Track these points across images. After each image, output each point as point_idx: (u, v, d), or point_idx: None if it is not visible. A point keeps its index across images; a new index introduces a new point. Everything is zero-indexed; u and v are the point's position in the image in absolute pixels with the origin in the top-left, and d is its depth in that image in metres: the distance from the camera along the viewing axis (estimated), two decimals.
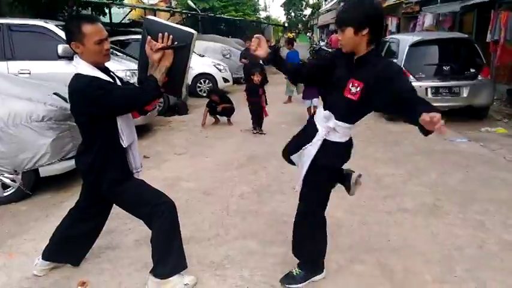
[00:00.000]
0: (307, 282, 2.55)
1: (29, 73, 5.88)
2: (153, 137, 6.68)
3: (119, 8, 14.31)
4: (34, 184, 4.05)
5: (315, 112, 2.54)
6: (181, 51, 2.30)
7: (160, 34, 2.25)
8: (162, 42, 2.26)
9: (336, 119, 2.26)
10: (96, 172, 2.35)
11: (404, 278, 2.63)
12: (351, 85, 2.16)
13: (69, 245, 2.68)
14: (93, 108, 2.21)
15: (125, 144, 2.36)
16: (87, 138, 2.36)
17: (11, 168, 3.86)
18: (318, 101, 6.21)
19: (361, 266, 2.77)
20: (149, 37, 2.28)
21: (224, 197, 4.04)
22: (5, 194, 3.99)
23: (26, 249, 3.07)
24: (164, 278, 2.41)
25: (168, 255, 2.43)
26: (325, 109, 2.33)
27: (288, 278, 2.56)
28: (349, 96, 2.17)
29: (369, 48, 2.14)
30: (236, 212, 3.66)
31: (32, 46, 6.09)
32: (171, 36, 2.26)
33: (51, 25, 6.20)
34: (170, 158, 5.47)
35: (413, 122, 1.92)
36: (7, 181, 3.97)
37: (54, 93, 4.24)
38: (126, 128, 2.37)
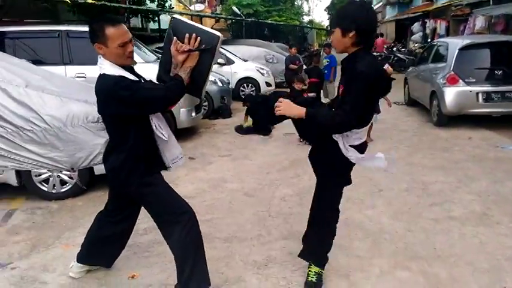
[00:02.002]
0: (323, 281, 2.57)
1: (85, 77, 6.22)
2: (198, 139, 6.87)
3: (168, 16, 14.82)
4: (89, 181, 4.30)
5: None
6: (206, 54, 2.29)
7: (187, 35, 2.23)
8: (189, 44, 2.24)
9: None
10: (128, 170, 2.31)
11: (449, 287, 2.57)
12: (340, 90, 2.25)
13: (100, 248, 2.71)
14: (120, 108, 2.19)
15: (166, 137, 2.36)
16: (116, 138, 2.34)
17: (68, 166, 4.12)
18: (376, 117, 5.55)
19: (404, 273, 2.74)
20: (175, 38, 2.26)
21: (266, 198, 4.11)
22: (63, 190, 4.28)
23: (80, 241, 3.23)
24: None
25: (196, 270, 2.39)
26: None
27: (310, 286, 2.54)
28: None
29: (355, 48, 2.17)
30: (278, 214, 3.72)
31: (87, 51, 6.40)
32: (198, 38, 2.24)
33: None
34: (215, 159, 5.61)
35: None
36: (65, 178, 4.26)
37: None
38: (160, 122, 2.37)
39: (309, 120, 2.19)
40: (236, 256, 2.98)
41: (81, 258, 2.75)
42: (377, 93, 2.23)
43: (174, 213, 2.38)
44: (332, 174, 2.43)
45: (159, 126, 2.34)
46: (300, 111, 2.20)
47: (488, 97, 6.77)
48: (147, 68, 4.43)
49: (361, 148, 2.32)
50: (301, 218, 3.62)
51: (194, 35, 2.24)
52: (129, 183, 2.34)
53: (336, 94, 2.49)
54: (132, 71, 2.35)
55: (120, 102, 2.16)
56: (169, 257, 2.93)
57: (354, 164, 2.39)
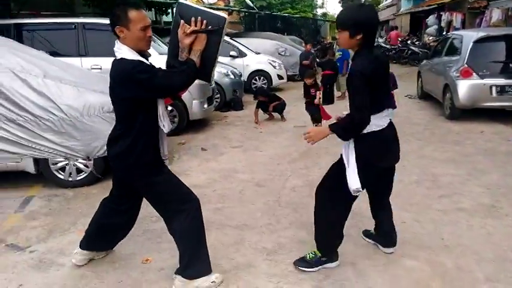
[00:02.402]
0: (319, 268, 2.66)
1: (100, 68, 6.35)
2: (210, 131, 6.96)
3: None
4: (104, 170, 4.42)
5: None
6: (213, 36, 2.32)
7: (193, 18, 2.26)
8: (195, 26, 2.27)
9: None
10: (135, 156, 2.33)
11: (455, 275, 2.62)
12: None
13: (104, 234, 2.77)
14: (139, 91, 2.22)
15: (166, 128, 2.41)
16: (125, 122, 2.35)
17: (84, 155, 4.25)
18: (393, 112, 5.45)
19: (412, 261, 2.79)
20: (182, 21, 2.29)
21: (276, 189, 4.18)
22: (79, 178, 4.41)
23: None
24: (192, 278, 2.46)
25: (197, 257, 2.46)
26: None
27: (300, 261, 2.70)
28: None
29: (360, 47, 2.32)
30: (288, 204, 3.78)
31: (103, 43, 6.54)
32: (204, 21, 2.27)
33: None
34: (226, 151, 5.70)
35: None
36: (81, 166, 4.39)
37: None
38: (165, 114, 2.41)
39: (338, 132, 2.38)
40: (246, 243, 3.06)
41: (85, 244, 2.81)
42: (378, 84, 2.31)
43: (180, 200, 2.45)
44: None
45: (163, 117, 2.40)
46: (326, 133, 2.44)
47: (502, 90, 6.70)
48: (162, 60, 4.51)
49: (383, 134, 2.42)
50: (311, 208, 3.66)
51: (200, 17, 2.26)
52: (135, 170, 2.38)
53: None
54: (147, 59, 2.38)
55: (139, 85, 2.20)
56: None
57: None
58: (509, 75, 6.73)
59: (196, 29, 2.27)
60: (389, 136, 2.47)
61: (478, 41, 7.02)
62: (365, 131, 2.35)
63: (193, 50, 2.31)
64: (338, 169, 2.50)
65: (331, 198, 2.56)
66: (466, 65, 6.86)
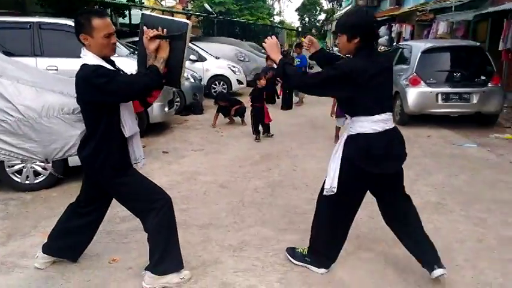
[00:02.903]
0: (300, 264, 2.79)
1: (56, 69, 6.20)
2: (171, 134, 6.97)
3: (138, 10, 14.73)
4: (63, 173, 4.34)
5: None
6: (177, 42, 2.40)
7: (155, 28, 2.36)
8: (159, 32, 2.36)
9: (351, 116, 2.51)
10: (101, 159, 2.40)
11: (407, 264, 2.85)
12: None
13: (67, 239, 2.75)
14: (97, 95, 2.28)
15: (127, 134, 2.46)
16: (90, 126, 2.43)
17: (42, 157, 4.12)
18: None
19: (367, 253, 3.00)
20: (145, 27, 2.39)
21: (239, 190, 4.29)
22: (37, 181, 4.30)
23: None
24: (161, 274, 2.52)
25: (167, 254, 2.51)
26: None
27: (290, 250, 2.88)
28: None
29: (359, 51, 2.43)
30: (251, 203, 3.91)
31: (59, 44, 6.41)
32: (165, 29, 2.37)
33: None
34: (188, 154, 5.74)
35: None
36: (39, 169, 4.29)
37: None
38: (128, 119, 2.46)
39: (280, 67, 2.51)
40: (213, 241, 3.15)
41: (47, 249, 2.79)
42: (368, 86, 2.34)
43: (148, 200, 2.50)
44: None
45: (124, 122, 2.44)
46: (276, 57, 2.57)
47: (447, 98, 7.24)
48: (121, 62, 4.51)
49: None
50: (273, 207, 3.85)
51: (161, 28, 2.37)
52: (102, 172, 2.45)
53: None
54: (113, 64, 2.47)
55: (96, 89, 2.27)
56: (147, 244, 3.08)
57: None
58: (454, 83, 7.28)
59: (158, 33, 2.36)
60: (382, 141, 2.40)
61: (426, 52, 7.54)
62: (355, 132, 2.42)
63: (158, 57, 2.39)
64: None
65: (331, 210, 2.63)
66: (414, 74, 7.35)
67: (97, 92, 2.28)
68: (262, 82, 6.84)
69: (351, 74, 2.32)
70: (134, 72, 2.62)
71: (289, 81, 2.57)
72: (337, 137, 5.84)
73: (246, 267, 2.80)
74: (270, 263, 2.85)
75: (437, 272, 2.55)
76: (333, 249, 2.73)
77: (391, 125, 2.46)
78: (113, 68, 2.42)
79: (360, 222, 3.51)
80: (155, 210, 2.48)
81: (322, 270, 2.73)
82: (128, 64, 5.68)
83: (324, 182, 2.56)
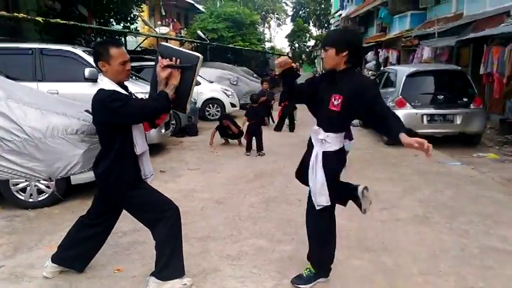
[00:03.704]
0: (313, 284, 2.84)
1: (57, 93, 6.41)
2: (167, 154, 7.17)
3: (133, 37, 15.12)
4: (66, 190, 4.50)
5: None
6: (187, 73, 2.65)
7: (168, 58, 2.63)
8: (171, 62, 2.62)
9: (325, 131, 2.65)
10: (115, 176, 2.61)
11: (394, 271, 3.05)
12: (333, 99, 2.59)
13: (77, 250, 2.91)
14: (112, 117, 2.52)
15: (138, 152, 2.66)
16: (105, 145, 2.66)
17: (46, 176, 4.29)
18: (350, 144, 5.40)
19: (357, 261, 3.19)
20: (159, 57, 2.66)
21: (236, 205, 4.48)
22: (40, 199, 4.45)
23: None
24: (165, 280, 2.69)
25: (172, 261, 2.69)
26: (317, 125, 2.74)
27: (298, 279, 2.87)
28: (333, 108, 2.58)
29: (346, 66, 2.59)
30: (247, 218, 4.10)
31: (60, 69, 6.66)
32: (178, 60, 2.63)
33: (78, 50, 6.82)
34: (184, 173, 5.93)
35: (391, 136, 2.48)
36: (42, 187, 4.45)
37: (85, 110, 4.75)
38: (139, 138, 2.68)
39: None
40: (211, 252, 3.33)
41: (56, 258, 2.95)
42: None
43: (158, 211, 2.70)
44: None
45: (136, 141, 2.67)
46: (288, 64, 2.84)
47: (431, 119, 7.57)
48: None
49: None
50: (268, 221, 4.05)
51: (174, 58, 2.64)
52: (116, 187, 2.66)
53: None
54: (126, 89, 2.72)
55: (111, 112, 2.52)
56: (150, 254, 3.24)
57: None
58: (438, 105, 7.64)
59: (171, 63, 2.63)
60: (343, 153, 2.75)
61: (410, 75, 7.93)
62: (332, 149, 2.63)
63: (169, 84, 2.65)
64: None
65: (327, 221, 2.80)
66: (400, 96, 7.70)
67: (112, 115, 2.52)
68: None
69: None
70: (140, 95, 2.85)
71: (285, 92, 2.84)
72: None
73: (244, 274, 2.98)
74: (267, 270, 3.03)
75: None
76: (333, 254, 2.90)
77: None
78: (126, 93, 2.66)
79: (350, 234, 3.72)
80: (164, 219, 2.69)
81: (326, 279, 2.91)
82: (129, 87, 5.94)
83: (310, 200, 2.76)
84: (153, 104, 2.63)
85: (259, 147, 7.16)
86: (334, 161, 2.69)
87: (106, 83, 2.59)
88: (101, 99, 2.54)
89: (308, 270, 2.88)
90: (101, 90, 2.57)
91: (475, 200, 4.76)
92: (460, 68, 8.55)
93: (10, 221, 4.06)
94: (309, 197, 2.78)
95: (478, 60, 10.40)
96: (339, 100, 2.56)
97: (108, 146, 2.64)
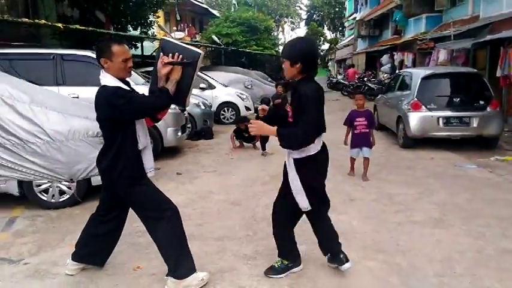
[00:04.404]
0: (286, 274, 2.97)
1: (77, 97, 6.58)
2: (183, 157, 7.28)
3: (150, 42, 15.35)
4: (86, 192, 4.63)
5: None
6: (188, 68, 2.68)
7: (171, 54, 2.65)
8: (173, 59, 2.65)
9: None
10: (118, 171, 2.65)
11: (409, 272, 3.07)
12: (290, 111, 2.75)
13: (92, 246, 3.00)
14: (116, 114, 2.56)
15: (140, 146, 2.71)
16: (108, 141, 2.70)
17: (67, 177, 4.46)
18: (368, 151, 5.80)
19: (372, 262, 3.22)
20: (161, 53, 2.68)
21: (251, 207, 4.55)
22: (61, 200, 4.59)
23: None
24: (182, 278, 2.76)
25: (183, 258, 2.76)
26: None
27: (271, 269, 3.01)
28: (289, 119, 2.74)
29: (301, 76, 2.67)
30: (262, 219, 4.16)
31: (80, 73, 6.83)
32: (181, 55, 2.65)
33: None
34: (200, 175, 6.03)
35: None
36: (64, 188, 4.59)
37: None
38: (141, 133, 2.72)
39: (279, 138, 2.65)
40: (228, 251, 3.39)
41: (75, 256, 3.05)
42: (321, 109, 2.65)
43: (159, 209, 2.77)
44: None
45: (138, 136, 2.71)
46: (271, 130, 2.67)
47: (447, 122, 7.51)
48: (136, 90, 4.88)
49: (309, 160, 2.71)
50: None
51: (177, 52, 2.67)
52: (119, 181, 2.70)
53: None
54: (128, 85, 2.78)
55: (115, 109, 2.57)
56: None
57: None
58: (454, 108, 7.58)
59: (172, 61, 2.67)
60: (322, 158, 2.77)
61: (426, 78, 7.88)
62: (304, 155, 2.67)
63: (170, 79, 2.69)
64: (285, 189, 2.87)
65: (286, 214, 2.97)
66: (415, 99, 7.67)
67: (115, 111, 2.57)
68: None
69: (317, 97, 2.58)
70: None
71: (295, 144, 2.65)
72: (352, 169, 5.89)
73: (260, 273, 3.03)
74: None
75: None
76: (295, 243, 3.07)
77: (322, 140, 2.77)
78: (128, 89, 2.72)
79: (365, 235, 3.75)
80: (166, 219, 2.75)
81: (300, 266, 3.06)
82: (144, 92, 6.07)
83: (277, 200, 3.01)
84: (154, 100, 2.68)
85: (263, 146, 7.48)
86: (308, 166, 2.72)
87: (109, 80, 2.64)
88: (105, 96, 2.60)
89: (279, 261, 3.01)
90: (104, 87, 2.63)
91: (492, 202, 4.73)
92: (476, 70, 8.47)
93: (33, 221, 4.20)
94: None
95: (495, 63, 10.28)
96: (291, 111, 2.74)
97: (111, 142, 2.69)
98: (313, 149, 2.69)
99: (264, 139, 7.43)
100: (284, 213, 2.97)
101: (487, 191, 5.18)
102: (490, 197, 4.95)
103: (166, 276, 2.83)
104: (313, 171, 2.74)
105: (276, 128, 2.65)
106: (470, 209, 4.50)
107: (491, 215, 4.29)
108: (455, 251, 3.46)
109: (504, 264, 3.22)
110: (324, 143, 2.80)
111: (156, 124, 4.05)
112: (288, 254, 3.02)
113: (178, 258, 2.77)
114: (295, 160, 2.72)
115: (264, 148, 7.45)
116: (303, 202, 2.75)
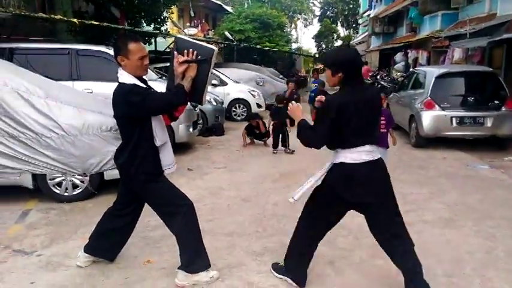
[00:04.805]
0: (282, 278, 2.92)
1: (91, 92, 6.67)
2: (194, 153, 7.34)
3: (163, 38, 15.45)
4: (99, 186, 4.71)
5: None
6: (203, 65, 2.72)
7: (186, 50, 2.69)
8: (187, 56, 2.68)
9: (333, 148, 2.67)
10: (135, 165, 2.69)
11: None
12: None
13: (106, 240, 3.04)
14: (132, 110, 2.60)
15: (157, 143, 2.73)
16: (126, 137, 2.74)
17: (81, 171, 4.53)
18: (385, 152, 5.14)
19: (380, 261, 3.20)
20: (176, 52, 2.72)
21: (261, 204, 4.58)
22: (75, 193, 4.68)
23: None
24: (193, 272, 2.81)
25: (198, 254, 2.81)
26: None
27: (274, 265, 3.03)
28: None
29: (342, 86, 2.56)
30: (272, 215, 4.18)
31: (94, 68, 6.92)
32: (195, 52, 2.68)
33: (112, 50, 7.07)
34: (211, 171, 6.07)
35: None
36: (77, 182, 4.67)
37: None
38: (159, 130, 2.75)
39: (298, 128, 2.65)
40: (237, 247, 3.43)
41: (88, 248, 3.11)
42: (352, 119, 2.46)
43: (174, 204, 2.81)
44: None
45: (155, 133, 2.73)
46: (298, 118, 2.69)
47: (461, 121, 7.43)
48: (151, 85, 4.94)
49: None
50: (293, 219, 4.07)
51: (191, 50, 2.70)
52: (136, 177, 2.75)
53: None
54: (145, 82, 2.81)
55: (131, 106, 2.61)
56: (178, 248, 3.37)
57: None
58: (468, 107, 7.49)
59: (187, 59, 2.70)
60: (361, 172, 2.53)
61: (440, 77, 7.80)
62: (338, 161, 2.56)
63: (186, 76, 2.72)
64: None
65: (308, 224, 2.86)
66: (429, 98, 7.59)
67: (132, 108, 2.61)
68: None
69: (337, 107, 2.44)
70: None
71: (302, 139, 2.65)
72: None
73: (268, 269, 3.06)
74: None
75: None
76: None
77: (374, 156, 2.56)
78: (145, 86, 2.75)
79: None
80: (181, 213, 2.79)
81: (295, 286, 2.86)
82: (157, 87, 6.11)
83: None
84: (171, 97, 2.72)
85: (285, 144, 7.42)
86: (334, 175, 2.63)
87: (126, 77, 2.67)
88: (122, 93, 2.64)
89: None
90: (121, 85, 2.67)
91: (504, 204, 4.68)
92: (491, 69, 8.35)
93: (47, 213, 4.28)
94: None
95: (511, 62, 10.11)
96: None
97: (128, 138, 2.73)
98: (344, 157, 2.55)
99: (280, 136, 7.43)
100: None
101: (499, 192, 5.12)
102: (502, 198, 4.90)
103: (178, 268, 2.87)
104: (337, 179, 2.59)
105: (302, 118, 2.67)
106: (481, 210, 4.46)
107: (502, 216, 4.25)
108: (465, 251, 3.44)
109: None
110: (375, 160, 2.59)
111: None
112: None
113: (193, 253, 2.82)
114: (331, 165, 2.64)
115: (275, 146, 7.45)
116: (297, 193, 2.75)
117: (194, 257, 2.82)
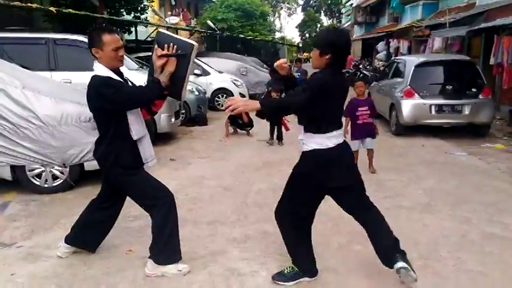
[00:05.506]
0: (295, 282, 2.79)
1: (70, 82, 6.56)
2: (177, 143, 7.32)
3: (144, 28, 15.24)
4: (79, 177, 4.67)
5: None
6: (183, 60, 2.68)
7: (166, 44, 2.64)
8: (168, 51, 2.63)
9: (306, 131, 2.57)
10: (112, 159, 2.68)
11: None
12: None
13: (88, 231, 3.05)
14: (105, 103, 2.57)
15: (134, 137, 2.71)
16: (102, 130, 2.72)
17: (60, 162, 4.47)
18: (372, 141, 5.61)
19: (358, 246, 3.29)
20: (155, 46, 2.70)
21: (243, 192, 4.61)
22: (54, 184, 4.63)
23: None
24: (161, 264, 2.82)
25: (168, 246, 2.80)
26: None
27: (279, 275, 2.83)
28: None
29: (327, 67, 2.45)
30: (254, 204, 4.23)
31: (73, 58, 6.80)
32: (175, 46, 2.63)
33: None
34: (194, 161, 6.07)
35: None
36: (57, 173, 4.62)
37: None
38: (135, 123, 2.71)
39: (264, 109, 2.44)
40: (219, 235, 3.46)
41: (69, 239, 3.10)
42: (327, 104, 2.43)
43: (153, 197, 2.82)
44: None
45: (132, 126, 2.70)
46: (253, 104, 2.45)
47: (440, 109, 7.58)
48: (130, 75, 4.87)
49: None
50: (274, 207, 4.14)
51: (172, 44, 2.66)
52: (112, 171, 2.76)
53: None
54: (121, 76, 2.78)
55: (104, 98, 2.58)
56: None
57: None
58: (446, 96, 7.63)
59: (166, 53, 2.66)
60: (332, 156, 2.51)
61: (419, 66, 7.92)
62: (308, 148, 2.52)
63: (164, 71, 2.69)
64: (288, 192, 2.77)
65: (291, 220, 2.77)
66: (408, 87, 7.71)
67: (105, 101, 2.58)
68: (275, 95, 7.32)
69: (319, 86, 2.36)
70: (143, 83, 2.92)
71: (276, 109, 2.59)
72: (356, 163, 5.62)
73: (249, 256, 3.11)
74: (271, 253, 3.15)
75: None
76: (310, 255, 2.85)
77: (341, 139, 2.57)
78: (120, 79, 2.72)
79: (353, 220, 3.78)
80: (159, 206, 2.79)
81: (312, 278, 2.83)
82: (137, 77, 6.05)
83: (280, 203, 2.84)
84: (144, 91, 2.69)
85: (279, 137, 7.23)
86: (308, 163, 2.59)
87: (100, 69, 2.64)
88: (95, 85, 2.61)
89: (290, 267, 2.84)
90: (95, 77, 2.63)
91: (480, 189, 4.82)
92: (469, 58, 8.50)
93: (26, 205, 4.24)
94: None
95: (489, 51, 10.29)
96: None
97: (104, 131, 2.72)
98: (316, 144, 2.50)
99: (275, 127, 7.22)
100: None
101: (475, 178, 5.26)
102: (478, 183, 5.04)
103: (148, 258, 2.88)
104: (309, 166, 2.55)
105: (258, 104, 2.44)
106: (458, 195, 4.59)
107: (477, 201, 4.38)
108: (441, 235, 3.55)
109: (488, 248, 3.31)
110: (341, 143, 2.57)
111: None
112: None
113: (164, 246, 2.82)
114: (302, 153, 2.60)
115: (272, 134, 7.22)
116: None
117: (164, 249, 2.82)
